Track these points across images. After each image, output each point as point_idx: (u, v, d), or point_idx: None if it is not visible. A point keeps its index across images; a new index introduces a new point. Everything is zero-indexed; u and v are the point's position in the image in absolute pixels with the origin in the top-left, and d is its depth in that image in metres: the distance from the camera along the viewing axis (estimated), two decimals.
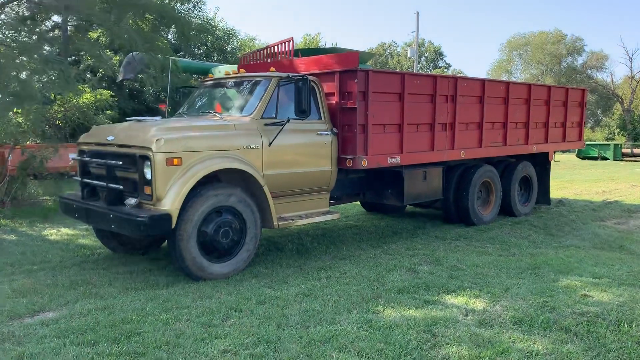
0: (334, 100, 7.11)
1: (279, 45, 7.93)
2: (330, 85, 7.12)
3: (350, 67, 6.99)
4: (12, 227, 8.89)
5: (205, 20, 22.84)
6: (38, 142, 13.69)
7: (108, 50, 15.68)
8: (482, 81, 9.01)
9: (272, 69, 6.95)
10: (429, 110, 8.00)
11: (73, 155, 13.61)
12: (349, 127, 7.08)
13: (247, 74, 7.18)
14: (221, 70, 14.11)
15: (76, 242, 7.80)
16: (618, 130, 47.67)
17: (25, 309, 4.87)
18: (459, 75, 9.02)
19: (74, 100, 12.40)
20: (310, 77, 6.68)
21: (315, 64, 7.45)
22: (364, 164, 7.06)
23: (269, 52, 8.15)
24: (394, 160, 7.52)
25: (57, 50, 11.01)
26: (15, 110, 9.28)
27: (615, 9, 74.53)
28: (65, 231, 8.57)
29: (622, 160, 30.21)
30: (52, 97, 12.44)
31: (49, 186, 12.25)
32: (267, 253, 7.17)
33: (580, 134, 11.57)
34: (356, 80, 6.89)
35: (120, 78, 15.73)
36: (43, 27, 12.74)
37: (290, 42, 7.72)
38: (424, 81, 7.96)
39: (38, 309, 4.90)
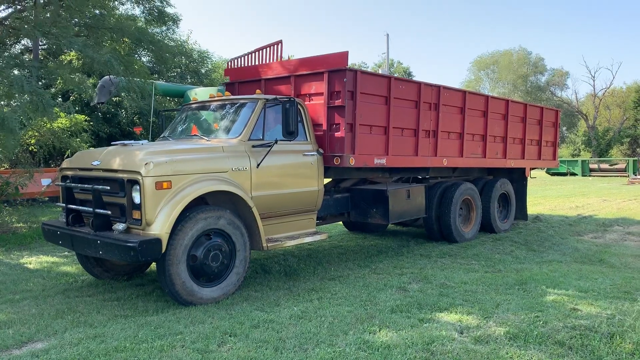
0: (322, 100, 7.12)
1: (268, 49, 7.83)
2: (319, 85, 7.16)
3: (339, 66, 7.04)
4: None
5: (179, 43, 22.78)
6: (5, 167, 13.35)
7: (81, 73, 15.45)
8: (463, 92, 9.22)
9: (258, 91, 6.96)
10: (413, 116, 8.15)
11: (46, 181, 13.38)
12: (336, 125, 7.10)
13: (232, 97, 7.17)
14: (198, 92, 14.04)
15: (57, 270, 7.59)
16: (583, 146, 49.08)
17: (13, 340, 4.70)
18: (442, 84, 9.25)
19: (48, 125, 12.17)
20: (296, 99, 6.72)
21: (304, 64, 7.46)
22: (352, 162, 7.09)
23: (257, 55, 8.03)
24: (380, 161, 7.58)
25: (29, 74, 10.82)
26: None
27: (576, 30, 77.20)
28: (44, 258, 8.34)
29: (590, 176, 31.08)
30: (25, 123, 12.18)
31: (23, 213, 11.94)
32: (255, 276, 7.10)
33: (554, 154, 11.90)
34: (345, 80, 6.94)
35: (94, 102, 15.52)
36: (12, 50, 12.50)
37: (279, 46, 7.64)
38: (409, 87, 8.11)
39: (26, 339, 4.74)
